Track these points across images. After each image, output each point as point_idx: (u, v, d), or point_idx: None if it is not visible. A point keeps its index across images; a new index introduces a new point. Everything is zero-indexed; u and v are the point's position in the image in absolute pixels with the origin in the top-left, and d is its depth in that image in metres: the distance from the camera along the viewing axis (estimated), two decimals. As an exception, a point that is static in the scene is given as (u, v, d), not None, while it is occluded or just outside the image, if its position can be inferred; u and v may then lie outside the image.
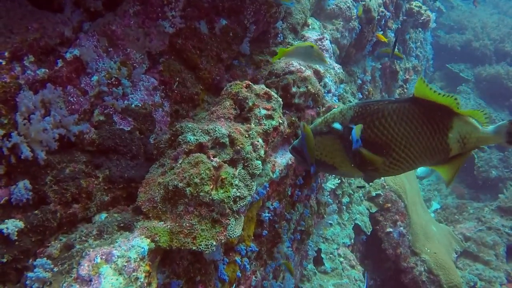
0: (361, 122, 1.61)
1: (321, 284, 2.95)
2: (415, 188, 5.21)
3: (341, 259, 3.51)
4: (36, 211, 1.46)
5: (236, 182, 1.45)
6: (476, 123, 1.73)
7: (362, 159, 1.61)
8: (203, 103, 2.03)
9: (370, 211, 4.32)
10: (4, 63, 1.42)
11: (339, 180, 3.36)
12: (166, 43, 1.88)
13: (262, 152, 1.61)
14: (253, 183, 1.53)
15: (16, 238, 1.40)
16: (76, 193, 1.55)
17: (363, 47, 3.62)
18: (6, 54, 1.43)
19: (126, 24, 1.75)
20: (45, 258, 1.36)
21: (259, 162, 1.58)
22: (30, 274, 1.29)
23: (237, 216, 1.45)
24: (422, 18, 4.89)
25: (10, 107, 1.41)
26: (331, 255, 3.43)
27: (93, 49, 1.63)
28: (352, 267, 3.57)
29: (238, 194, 1.43)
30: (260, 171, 1.56)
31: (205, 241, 1.35)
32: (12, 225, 1.39)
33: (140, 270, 1.27)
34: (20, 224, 1.40)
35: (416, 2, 4.98)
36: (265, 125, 1.69)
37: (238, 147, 1.53)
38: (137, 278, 1.25)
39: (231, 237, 1.40)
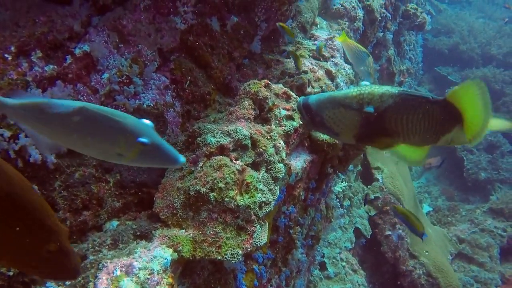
0: (394, 113, 1.56)
1: (327, 290, 2.89)
2: (412, 191, 5.21)
3: (344, 264, 3.45)
4: (44, 219, 1.35)
5: (261, 186, 1.37)
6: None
7: (368, 138, 1.58)
8: (214, 103, 1.94)
9: (369, 214, 4.28)
10: (10, 58, 1.31)
11: (346, 183, 3.30)
12: (178, 40, 1.79)
13: (284, 154, 1.54)
14: (276, 188, 1.45)
15: (23, 249, 1.28)
16: (86, 199, 1.44)
17: (365, 48, 3.58)
18: (13, 49, 1.32)
19: (137, 19, 1.65)
20: (56, 271, 1.25)
21: (282, 165, 1.50)
22: (42, 288, 1.17)
23: (262, 223, 1.37)
24: (418, 20, 4.89)
25: (16, 106, 1.30)
26: (334, 260, 3.37)
27: (104, 44, 1.53)
28: (355, 271, 3.51)
29: (263, 199, 1.35)
30: (283, 174, 1.48)
31: (231, 250, 1.27)
32: (19, 235, 1.27)
33: (163, 283, 1.17)
34: (28, 234, 1.29)
35: (412, 4, 4.98)
36: (285, 126, 1.61)
37: (261, 150, 1.45)
38: (160, 292, 1.15)
39: (257, 245, 1.32)
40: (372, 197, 4.36)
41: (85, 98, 1.47)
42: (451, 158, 8.18)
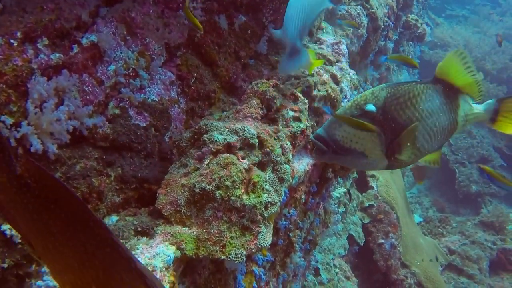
0: (394, 102, 1.58)
1: (320, 296, 2.87)
2: (405, 200, 5.22)
3: (337, 270, 3.43)
4: (42, 211, 1.31)
5: (267, 186, 1.34)
6: (470, 101, 1.85)
7: (394, 144, 1.58)
8: (218, 102, 1.92)
9: (363, 221, 4.28)
10: (16, 44, 1.27)
11: (344, 189, 3.30)
12: (185, 36, 1.77)
13: (290, 155, 1.52)
14: (282, 189, 1.43)
15: (19, 240, 1.24)
16: (87, 192, 1.40)
17: (367, 55, 3.60)
18: (19, 34, 1.28)
19: (145, 12, 1.62)
20: (54, 264, 1.21)
21: (288, 166, 1.48)
22: (39, 282, 1.14)
23: (267, 224, 1.34)
24: (418, 31, 4.94)
25: (20, 94, 1.26)
26: (327, 266, 3.35)
27: (111, 36, 1.50)
28: (347, 278, 3.50)
29: (269, 199, 1.33)
30: (289, 176, 1.46)
31: (235, 250, 1.24)
32: (17, 226, 1.23)
33: (165, 281, 1.14)
34: (25, 225, 1.25)
35: (413, 15, 5.03)
36: (293, 128, 1.59)
37: (268, 149, 1.43)
38: (162, 290, 1.12)
39: (261, 246, 1.29)
40: (367, 205, 4.36)
41: (90, 89, 1.43)
42: (443, 170, 8.23)
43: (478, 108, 1.85)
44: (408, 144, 1.60)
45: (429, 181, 8.66)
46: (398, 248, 4.37)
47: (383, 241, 4.28)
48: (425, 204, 8.30)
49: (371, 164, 1.66)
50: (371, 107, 1.55)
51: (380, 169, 1.70)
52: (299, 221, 2.02)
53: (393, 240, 4.31)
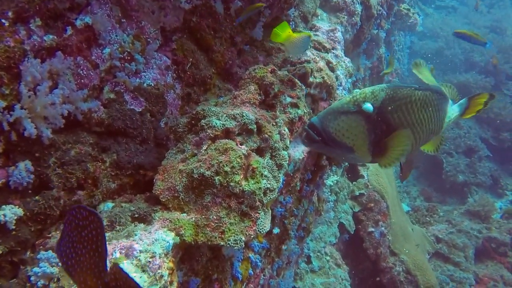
0: (392, 105, 1.60)
1: (313, 283, 2.89)
2: (395, 189, 5.28)
3: (328, 258, 3.46)
4: (37, 197, 1.28)
5: (266, 172, 1.33)
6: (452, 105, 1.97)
7: (381, 144, 1.59)
8: (214, 87, 1.90)
9: (354, 210, 4.31)
10: (7, 24, 1.23)
11: (338, 177, 3.32)
12: (181, 20, 1.73)
13: (288, 142, 1.51)
14: (280, 175, 1.42)
15: (13, 227, 1.21)
16: (82, 178, 1.37)
17: (359, 44, 3.59)
18: (10, 14, 1.24)
19: (140, -6, 1.58)
20: (50, 251, 1.19)
21: (286, 152, 1.47)
22: (35, 269, 1.11)
23: (266, 210, 1.33)
24: (410, 21, 4.93)
25: (13, 76, 1.22)
26: (318, 253, 3.37)
27: (106, 18, 1.46)
28: (338, 266, 3.53)
29: (268, 185, 1.32)
30: (287, 162, 1.45)
31: (234, 236, 1.23)
32: (11, 213, 1.20)
33: (164, 267, 1.13)
34: (20, 212, 1.22)
35: (405, 5, 5.03)
36: (290, 114, 1.57)
37: (266, 135, 1.41)
38: (161, 276, 1.11)
39: (260, 232, 1.29)
40: (357, 194, 4.39)
41: (85, 73, 1.40)
42: (431, 160, 8.33)
43: (455, 110, 1.97)
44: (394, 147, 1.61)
45: (416, 171, 8.77)
46: (388, 237, 4.42)
47: (373, 229, 4.33)
48: (413, 193, 8.42)
49: (357, 159, 1.66)
50: (369, 107, 1.54)
51: (366, 162, 1.73)
52: (294, 209, 2.02)
53: (382, 228, 4.36)
